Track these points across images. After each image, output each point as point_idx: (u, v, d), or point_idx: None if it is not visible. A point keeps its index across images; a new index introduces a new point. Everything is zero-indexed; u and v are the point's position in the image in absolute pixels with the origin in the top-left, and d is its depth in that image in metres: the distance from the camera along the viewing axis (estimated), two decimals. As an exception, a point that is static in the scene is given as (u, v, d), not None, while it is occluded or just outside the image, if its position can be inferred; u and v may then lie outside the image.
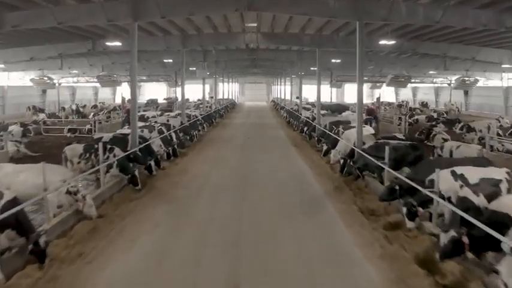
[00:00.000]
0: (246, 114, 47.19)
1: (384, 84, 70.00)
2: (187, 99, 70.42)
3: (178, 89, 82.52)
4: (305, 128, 24.78)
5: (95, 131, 23.74)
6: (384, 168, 11.36)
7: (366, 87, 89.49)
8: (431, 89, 65.55)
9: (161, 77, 53.24)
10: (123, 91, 76.42)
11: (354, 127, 17.64)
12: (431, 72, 42.33)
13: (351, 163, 13.27)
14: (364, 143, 14.14)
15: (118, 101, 75.04)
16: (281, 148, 20.84)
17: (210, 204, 11.10)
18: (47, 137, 24.70)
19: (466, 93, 54.23)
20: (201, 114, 30.59)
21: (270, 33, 22.81)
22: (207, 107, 39.84)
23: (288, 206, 10.83)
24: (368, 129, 17.42)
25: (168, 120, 22.25)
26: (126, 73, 51.53)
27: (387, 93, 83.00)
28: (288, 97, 56.74)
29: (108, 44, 19.46)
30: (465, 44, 25.30)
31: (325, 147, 17.77)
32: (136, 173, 12.25)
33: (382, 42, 19.37)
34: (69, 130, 25.28)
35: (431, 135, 21.53)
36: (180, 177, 14.12)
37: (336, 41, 22.70)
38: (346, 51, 31.13)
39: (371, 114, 27.12)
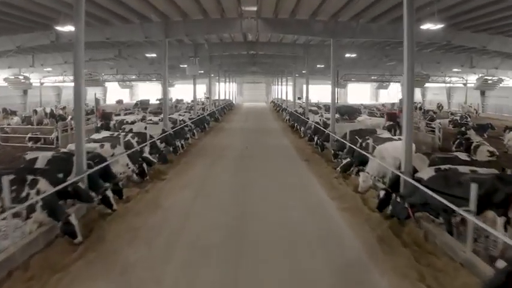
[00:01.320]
0: (244, 117, 42.79)
1: (389, 84, 66.72)
2: (181, 100, 66.38)
3: (173, 89, 78.47)
4: (315, 137, 20.51)
5: (57, 141, 19.25)
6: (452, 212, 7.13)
7: (369, 87, 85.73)
8: (442, 89, 61.14)
9: (152, 76, 49.01)
10: (109, 91, 72.25)
11: (387, 139, 13.29)
12: (455, 70, 37.79)
13: (398, 199, 8.90)
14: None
15: (110, 101, 70.82)
16: (288, 164, 16.45)
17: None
18: (3, 148, 20.27)
19: (482, 93, 49.84)
20: (191, 118, 26.22)
21: (273, 19, 18.43)
22: (200, 109, 35.42)
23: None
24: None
25: (145, 128, 17.86)
26: (111, 72, 47.42)
27: (392, 94, 78.99)
28: (289, 98, 52.50)
29: (59, 28, 14.97)
30: (506, 35, 21.04)
31: (344, 161, 13.50)
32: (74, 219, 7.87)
33: (427, 26, 14.94)
34: (31, 139, 20.72)
35: (472, 147, 17.21)
36: (145, 217, 9.71)
37: (355, 29, 18.32)
38: (362, 44, 27.04)
39: (393, 119, 22.76)
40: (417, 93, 70.56)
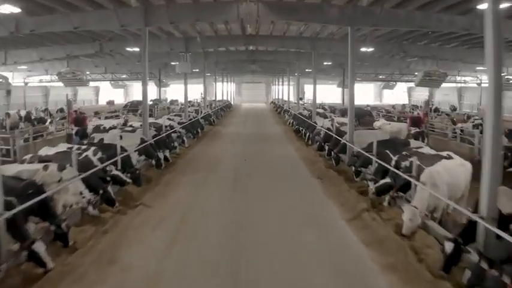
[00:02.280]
0: (243, 119, 39.34)
1: (395, 84, 63.29)
2: (176, 101, 62.89)
3: (168, 89, 74.93)
4: (326, 146, 17.15)
5: (15, 153, 15.75)
6: None
7: (373, 87, 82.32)
8: (452, 89, 57.67)
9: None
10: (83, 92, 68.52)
11: (435, 157, 9.89)
12: (479, 68, 34.39)
13: (485, 264, 5.54)
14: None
15: (102, 102, 67.22)
16: (297, 184, 13.02)
17: None
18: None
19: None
20: (181, 123, 22.77)
21: (278, 2, 15.00)
22: (194, 111, 32.00)
23: None
24: (462, 162, 9.59)
25: (120, 137, 14.43)
26: (99, 70, 43.98)
27: (398, 94, 75.62)
28: (290, 98, 49.18)
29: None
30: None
31: (380, 182, 10.13)
32: None
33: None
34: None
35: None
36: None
37: (378, 15, 14.88)
38: (377, 37, 23.60)
39: (418, 124, 19.37)
40: (422, 92, 67.34)
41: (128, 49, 22.53)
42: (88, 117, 21.05)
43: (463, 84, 50.67)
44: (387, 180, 9.73)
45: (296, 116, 30.63)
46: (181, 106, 40.44)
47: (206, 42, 23.85)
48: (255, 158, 17.62)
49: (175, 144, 18.23)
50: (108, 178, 10.07)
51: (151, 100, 60.21)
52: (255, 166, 15.79)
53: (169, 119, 23.21)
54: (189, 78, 62.08)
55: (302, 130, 24.02)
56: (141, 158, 14.52)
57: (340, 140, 16.13)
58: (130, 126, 19.10)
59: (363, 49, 22.88)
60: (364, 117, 31.79)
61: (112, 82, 60.66)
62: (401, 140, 13.67)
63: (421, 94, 68.55)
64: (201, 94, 68.41)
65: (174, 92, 77.68)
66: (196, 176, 13.91)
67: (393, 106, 42.03)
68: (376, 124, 20.83)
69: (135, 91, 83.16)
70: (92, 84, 67.60)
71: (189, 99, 57.42)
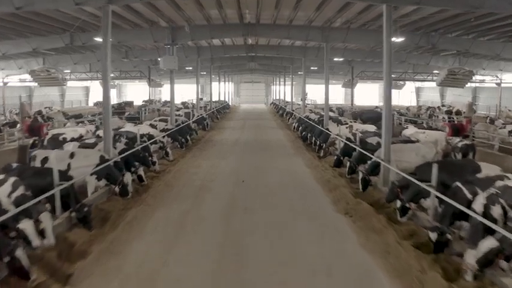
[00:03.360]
0: (241, 123, 35.34)
1: (404, 84, 59.28)
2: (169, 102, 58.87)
3: (162, 89, 70.93)
4: (345, 160, 13.27)
5: None
6: None
7: (378, 87, 78.36)
8: (466, 89, 53.49)
9: (131, 74, 41.58)
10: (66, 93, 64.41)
11: None
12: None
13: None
14: None
15: (92, 103, 63.01)
16: (318, 225, 8.99)
17: None
18: None
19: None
20: (165, 130, 18.80)
21: None
22: (184, 115, 28.01)
23: None
24: None
25: (71, 156, 10.43)
26: (78, 69, 39.95)
27: (404, 94, 71.67)
28: (291, 99, 45.18)
29: None
30: None
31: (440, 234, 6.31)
32: None
33: None
34: None
35: None
36: None
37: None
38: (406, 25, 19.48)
39: (459, 133, 15.44)
40: (431, 92, 63.46)
41: (96, 38, 18.43)
42: (46, 125, 17.02)
43: (477, 84, 46.60)
44: (491, 243, 5.72)
45: (302, 120, 26.70)
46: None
47: (196, 32, 19.83)
48: (256, 177, 13.62)
49: (154, 159, 14.25)
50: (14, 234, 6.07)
51: (143, 101, 56.48)
52: (255, 193, 11.77)
53: (151, 125, 19.22)
54: (183, 78, 58.54)
55: (311, 138, 20.06)
56: (100, 183, 10.56)
57: (367, 155, 12.21)
58: (98, 137, 15.07)
59: (393, 39, 18.77)
60: (378, 120, 27.83)
61: (101, 81, 56.83)
62: (465, 163, 9.67)
63: (430, 95, 64.79)
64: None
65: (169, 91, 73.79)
66: (173, 212, 9.90)
67: (407, 108, 38.02)
68: (406, 132, 16.85)
69: (129, 91, 79.25)
70: (81, 84, 64.44)
71: (184, 100, 53.72)
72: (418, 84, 65.59)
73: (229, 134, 26.72)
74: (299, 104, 44.04)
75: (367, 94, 74.60)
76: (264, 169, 15.07)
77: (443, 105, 37.43)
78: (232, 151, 19.44)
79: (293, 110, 33.87)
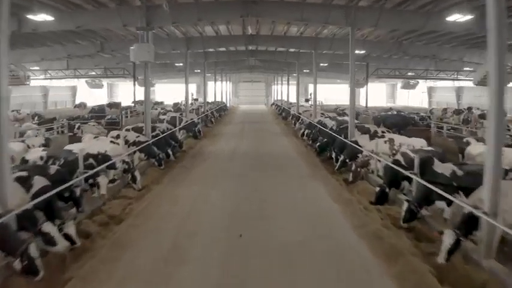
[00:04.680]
0: (239, 128, 30.45)
1: (417, 83, 54.44)
2: (161, 103, 53.92)
3: (154, 89, 66.01)
4: (405, 203, 8.38)
5: None
6: None
7: (385, 87, 73.43)
8: (486, 89, 48.47)
9: (114, 72, 36.74)
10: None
11: None
12: None
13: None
14: None
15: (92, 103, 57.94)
16: None
17: None
18: None
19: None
20: (138, 143, 13.97)
21: None
22: (168, 120, 23.12)
23: None
24: None
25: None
26: (56, 66, 35.13)
27: (415, 94, 66.94)
28: (293, 99, 40.25)
29: None
30: None
31: None
32: None
33: None
34: None
35: None
36: None
37: None
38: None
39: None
40: (447, 93, 58.62)
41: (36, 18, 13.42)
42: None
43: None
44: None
45: (312, 125, 21.88)
46: (162, 110, 31.51)
47: (179, 13, 14.91)
48: (260, 227, 8.71)
49: (102, 191, 9.39)
50: None
51: (133, 102, 51.67)
52: (260, 265, 6.89)
53: (115, 138, 14.26)
54: (177, 76, 53.46)
55: (332, 151, 15.19)
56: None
57: (436, 193, 7.41)
58: (22, 162, 10.14)
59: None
60: (406, 126, 23.03)
61: (88, 81, 52.24)
62: None
63: (444, 95, 59.94)
64: (192, 95, 59.98)
65: (165, 92, 68.81)
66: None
67: (431, 110, 33.13)
68: (471, 151, 11.93)
69: (120, 91, 74.15)
70: (67, 83, 59.50)
71: (177, 101, 48.71)
72: (431, 83, 60.94)
73: (225, 143, 21.80)
74: (304, 106, 39.29)
75: (374, 94, 69.70)
76: (271, 207, 10.15)
77: (476, 108, 32.48)
78: (226, 171, 14.50)
79: (300, 113, 28.98)
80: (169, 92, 66.59)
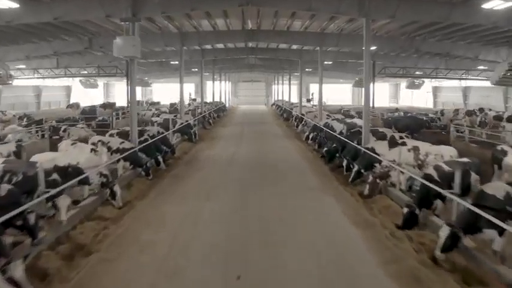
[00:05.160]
0: (238, 130, 28.65)
1: (422, 83, 52.62)
2: (158, 103, 52.16)
3: (151, 88, 64.27)
4: (446, 228, 6.59)
5: None
6: None
7: (387, 86, 71.64)
8: (493, 89, 46.87)
9: (106, 70, 34.99)
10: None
11: None
12: None
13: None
14: None
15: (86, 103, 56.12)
16: None
17: None
18: None
19: None
20: (116, 151, 12.20)
21: None
22: (161, 122, 21.33)
23: None
24: None
25: None
26: (44, 64, 33.38)
27: (419, 94, 65.11)
28: (299, 100, 38.53)
29: None
30: None
31: None
32: None
33: None
34: None
35: None
36: None
37: None
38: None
39: None
40: (452, 93, 56.84)
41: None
42: None
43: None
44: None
45: (317, 128, 20.16)
46: (156, 111, 29.70)
47: (170, 2, 13.14)
48: (264, 260, 6.92)
49: (61, 216, 7.60)
50: None
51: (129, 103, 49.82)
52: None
53: (101, 143, 12.46)
54: (173, 76, 51.58)
55: (343, 159, 13.45)
56: None
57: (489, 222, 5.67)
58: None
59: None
60: (419, 129, 21.25)
61: (83, 81, 50.52)
62: None
63: (449, 95, 58.11)
64: (190, 95, 58.22)
65: (163, 92, 66.91)
66: None
67: (441, 111, 31.32)
68: (510, 162, 10.14)
69: (117, 91, 72.20)
70: (61, 83, 57.65)
71: (173, 102, 46.86)
72: (436, 83, 59.17)
73: (223, 148, 20.01)
74: (306, 106, 37.52)
75: (377, 94, 67.81)
76: (277, 231, 8.35)
77: (489, 109, 30.68)
78: (224, 182, 12.70)
79: (303, 114, 27.19)
80: (167, 92, 64.76)
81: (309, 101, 54.19)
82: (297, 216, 9.29)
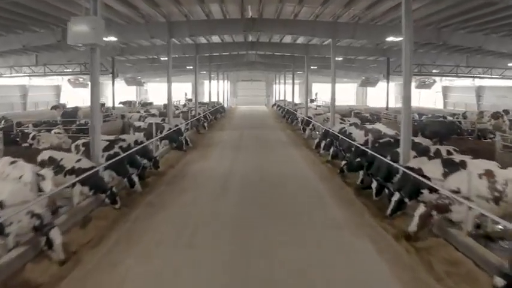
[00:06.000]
0: (237, 134, 25.38)
1: (433, 83, 49.33)
2: (150, 104, 48.93)
3: (147, 88, 60.94)
4: None
5: None
6: None
7: (393, 86, 68.38)
8: (509, 89, 43.61)
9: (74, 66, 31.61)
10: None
11: None
12: None
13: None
14: None
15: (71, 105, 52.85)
16: None
17: None
18: None
19: None
20: (73, 172, 8.96)
21: None
22: (146, 127, 18.09)
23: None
24: None
25: None
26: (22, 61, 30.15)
27: (427, 94, 61.86)
28: (305, 101, 35.29)
29: None
30: None
31: None
32: None
33: None
34: None
35: None
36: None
37: None
38: None
39: None
40: (465, 94, 53.67)
41: None
42: None
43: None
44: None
45: (329, 134, 17.01)
46: (144, 113, 26.38)
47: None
48: None
49: None
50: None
51: (120, 102, 46.89)
52: None
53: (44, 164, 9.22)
54: (174, 75, 48.45)
55: (371, 178, 10.30)
56: None
57: None
58: None
59: None
60: (450, 135, 18.06)
61: (71, 80, 47.39)
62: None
63: (461, 96, 54.89)
64: (186, 95, 54.95)
65: (158, 92, 63.56)
66: None
67: (463, 114, 28.03)
68: None
69: (109, 91, 68.74)
70: (50, 82, 54.37)
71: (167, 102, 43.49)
72: (446, 82, 56.04)
73: (218, 159, 16.73)
74: (310, 107, 34.27)
75: (381, 94, 64.66)
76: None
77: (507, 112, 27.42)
78: (215, 216, 9.33)
79: (310, 118, 23.94)
80: (163, 92, 61.48)
81: (312, 101, 50.98)
82: (322, 281, 6.06)
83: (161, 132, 17.76)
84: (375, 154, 10.82)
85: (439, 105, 57.82)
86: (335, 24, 18.12)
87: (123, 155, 11.06)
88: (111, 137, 13.29)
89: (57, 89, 58.24)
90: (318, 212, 9.50)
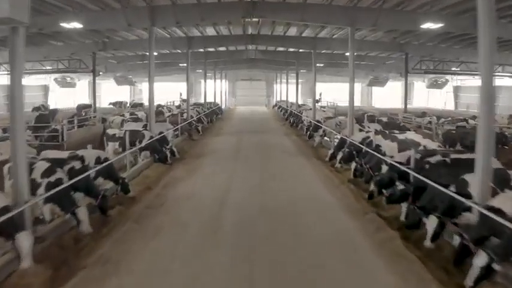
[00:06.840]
0: (234, 141, 21.97)
1: (446, 82, 45.96)
2: (141, 105, 45.56)
3: (141, 88, 57.54)
4: None
5: None
6: None
7: (400, 85, 64.96)
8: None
9: (73, 64, 28.45)
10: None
11: None
12: None
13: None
14: None
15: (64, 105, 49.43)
16: None
17: None
18: None
19: None
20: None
21: None
22: (112, 137, 14.72)
23: None
24: None
25: None
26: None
27: (437, 94, 58.64)
28: (313, 103, 32.08)
29: None
30: None
31: None
32: None
33: None
34: None
35: None
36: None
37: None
38: None
39: None
40: (475, 94, 50.18)
41: None
42: None
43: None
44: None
45: (343, 142, 13.79)
46: (126, 118, 22.94)
47: None
48: None
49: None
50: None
51: (110, 103, 44.00)
52: None
53: None
54: (168, 75, 44.82)
55: (421, 213, 7.01)
56: None
57: None
58: None
59: None
60: (497, 145, 14.66)
61: (58, 79, 44.35)
62: None
63: (475, 96, 51.56)
64: (181, 95, 51.49)
65: (156, 92, 60.10)
66: None
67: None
68: None
69: (103, 91, 65.34)
70: (37, 82, 51.11)
71: (161, 103, 40.30)
72: (458, 82, 52.86)
73: (210, 177, 13.22)
74: (318, 109, 30.94)
75: (385, 94, 61.44)
76: None
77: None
78: (196, 281, 6.02)
79: (320, 122, 20.54)
80: (158, 92, 58.03)
81: (316, 102, 47.69)
82: None
83: (140, 142, 14.43)
84: (432, 183, 7.46)
85: (450, 106, 54.75)
86: (354, 9, 14.72)
87: (66, 184, 7.66)
88: (65, 154, 9.93)
89: (45, 88, 54.95)
90: (355, 278, 6.12)
